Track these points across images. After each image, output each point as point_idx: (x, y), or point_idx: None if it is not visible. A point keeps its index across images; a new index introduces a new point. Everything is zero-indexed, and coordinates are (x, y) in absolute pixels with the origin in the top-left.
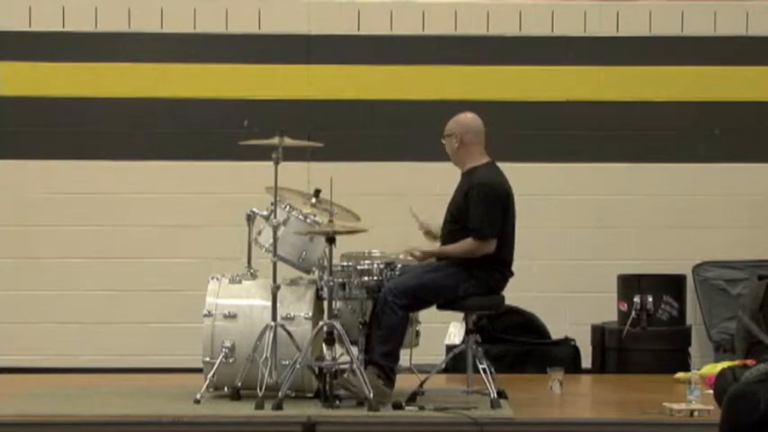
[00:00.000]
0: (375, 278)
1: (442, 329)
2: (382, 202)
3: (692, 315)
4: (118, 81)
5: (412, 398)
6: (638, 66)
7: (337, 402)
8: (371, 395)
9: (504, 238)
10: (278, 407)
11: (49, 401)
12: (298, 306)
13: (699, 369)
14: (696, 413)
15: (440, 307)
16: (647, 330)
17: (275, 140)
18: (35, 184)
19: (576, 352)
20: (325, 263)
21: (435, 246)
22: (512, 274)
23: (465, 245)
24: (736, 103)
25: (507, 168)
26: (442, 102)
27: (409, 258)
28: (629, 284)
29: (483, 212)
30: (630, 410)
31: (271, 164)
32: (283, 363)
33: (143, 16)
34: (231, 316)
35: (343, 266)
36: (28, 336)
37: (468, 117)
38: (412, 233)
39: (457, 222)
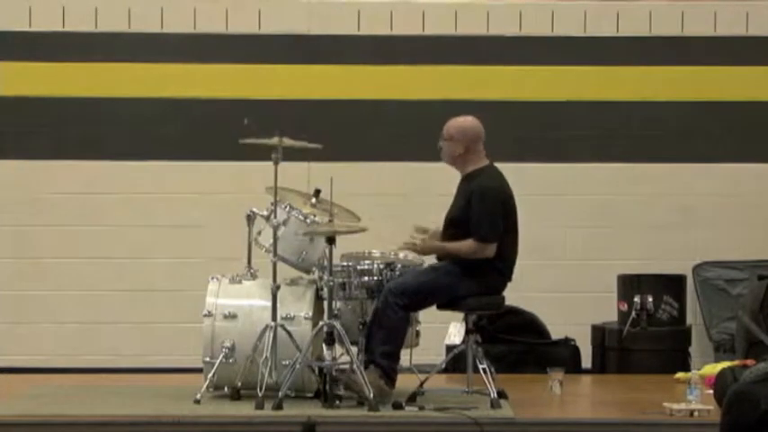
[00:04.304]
0: (375, 278)
1: (442, 329)
2: (382, 202)
3: (692, 315)
4: (118, 81)
5: (412, 398)
6: (638, 66)
7: (337, 402)
8: (371, 395)
9: (505, 240)
10: (278, 407)
11: (49, 401)
12: (298, 306)
13: (699, 369)
14: (696, 413)
15: (440, 307)
16: (647, 330)
17: (275, 140)
18: (35, 184)
19: (576, 352)
20: (326, 263)
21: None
22: (511, 276)
23: (466, 245)
24: (736, 103)
25: (507, 168)
26: (442, 102)
27: (410, 256)
28: (629, 284)
29: (485, 216)
30: (630, 410)
31: (271, 164)
32: (283, 363)
33: (143, 16)
34: (231, 316)
35: (343, 266)
36: (28, 336)
37: (472, 123)
38: (411, 233)
39: (459, 226)
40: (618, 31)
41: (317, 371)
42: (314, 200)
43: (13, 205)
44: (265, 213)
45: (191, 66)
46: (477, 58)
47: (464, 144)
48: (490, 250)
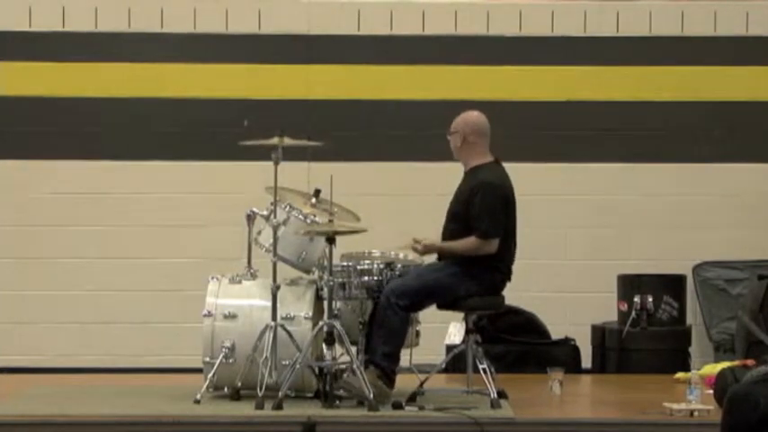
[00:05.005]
0: (375, 278)
1: (442, 329)
2: (382, 202)
3: (692, 315)
4: (118, 81)
5: (412, 398)
6: (638, 66)
7: (337, 402)
8: (371, 395)
9: (506, 238)
10: (278, 407)
11: (49, 401)
12: (298, 306)
13: (699, 369)
14: (696, 413)
15: (440, 307)
16: (647, 330)
17: (275, 140)
18: (35, 184)
19: (576, 352)
20: (326, 263)
21: (436, 241)
22: (510, 276)
23: (468, 243)
24: (736, 103)
25: (507, 168)
26: (442, 102)
27: (411, 256)
28: (629, 284)
29: (487, 212)
30: (630, 410)
31: (271, 164)
32: (283, 363)
33: (143, 16)
34: (231, 316)
35: (343, 266)
36: (28, 336)
37: (474, 116)
38: (412, 233)
39: (460, 221)
40: (618, 31)
41: (317, 371)
42: (314, 200)
43: (13, 205)
44: (265, 213)
45: (191, 66)
46: (477, 58)
47: (462, 135)
48: (492, 246)
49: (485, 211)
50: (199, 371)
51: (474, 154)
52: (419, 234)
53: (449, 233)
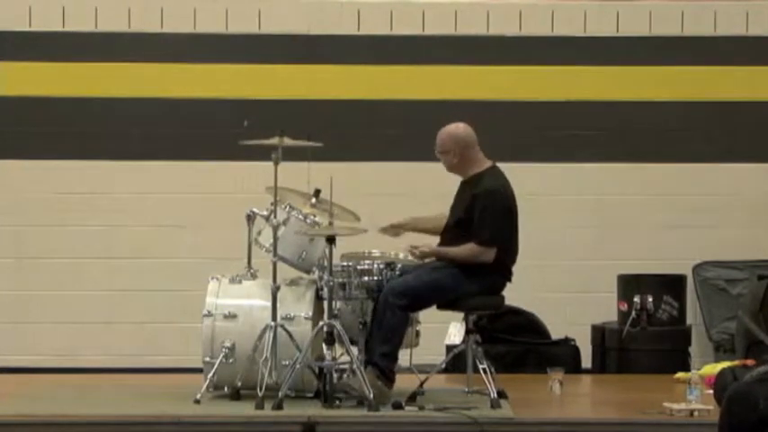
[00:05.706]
0: (375, 278)
1: (442, 329)
2: (382, 202)
3: (692, 315)
4: (118, 81)
5: (412, 398)
6: (638, 66)
7: (337, 402)
8: (371, 395)
9: (507, 241)
10: (278, 407)
11: (49, 401)
12: (298, 306)
13: (699, 369)
14: (696, 413)
15: (440, 307)
16: (647, 330)
17: (275, 140)
18: (35, 184)
19: (576, 352)
20: (325, 263)
21: (434, 243)
22: (510, 277)
23: (466, 249)
24: (736, 103)
25: (507, 168)
26: (442, 102)
27: (410, 258)
28: (629, 284)
29: (489, 220)
30: (630, 410)
31: (271, 164)
32: (283, 363)
33: (143, 16)
34: (231, 316)
35: (343, 266)
36: (28, 336)
37: (461, 129)
38: (412, 234)
39: (462, 227)
40: (618, 31)
41: (317, 371)
42: (314, 200)
43: (13, 205)
44: (265, 213)
45: (191, 66)
46: (477, 58)
47: (458, 153)
48: (489, 254)
49: (486, 220)
50: (199, 371)
51: (471, 164)
52: (419, 236)
53: (452, 239)
